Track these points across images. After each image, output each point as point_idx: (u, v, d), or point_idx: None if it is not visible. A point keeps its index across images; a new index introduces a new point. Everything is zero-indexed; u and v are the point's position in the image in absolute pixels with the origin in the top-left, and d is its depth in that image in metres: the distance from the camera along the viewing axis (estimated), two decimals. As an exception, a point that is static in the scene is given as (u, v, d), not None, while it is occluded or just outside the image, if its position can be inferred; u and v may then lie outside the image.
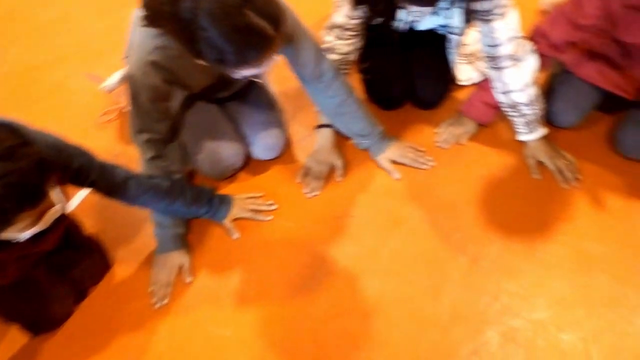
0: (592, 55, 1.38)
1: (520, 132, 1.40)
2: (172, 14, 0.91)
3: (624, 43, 1.27)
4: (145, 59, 1.11)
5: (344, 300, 1.24)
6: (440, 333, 1.16)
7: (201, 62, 1.00)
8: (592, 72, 1.38)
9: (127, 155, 1.54)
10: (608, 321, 1.14)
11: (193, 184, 1.48)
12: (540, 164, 1.40)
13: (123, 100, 1.67)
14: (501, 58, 1.28)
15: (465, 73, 1.63)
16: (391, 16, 1.33)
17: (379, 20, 1.35)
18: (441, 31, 1.48)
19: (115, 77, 1.62)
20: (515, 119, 1.38)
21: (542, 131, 1.39)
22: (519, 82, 1.30)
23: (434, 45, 1.52)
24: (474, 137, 1.51)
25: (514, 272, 1.24)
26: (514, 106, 1.35)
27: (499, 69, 1.30)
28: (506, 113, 1.40)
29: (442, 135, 1.52)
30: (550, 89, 1.47)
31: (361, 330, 1.18)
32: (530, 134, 1.39)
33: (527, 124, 1.37)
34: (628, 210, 1.31)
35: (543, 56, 1.32)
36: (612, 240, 1.26)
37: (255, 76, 1.49)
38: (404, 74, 1.54)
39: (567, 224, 1.30)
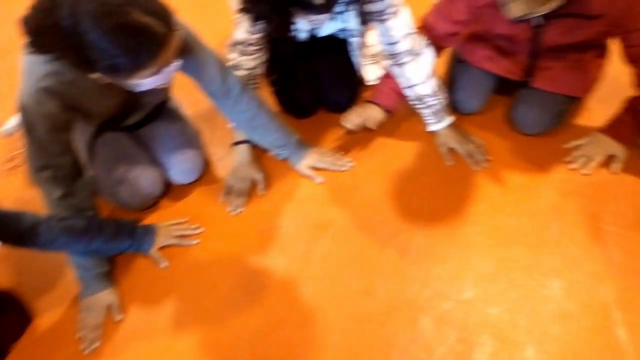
0: (481, 42, 1.47)
1: (430, 123, 1.47)
2: (53, 27, 0.87)
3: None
4: (37, 86, 1.05)
5: (280, 311, 1.24)
6: (377, 327, 1.19)
7: (96, 76, 0.96)
8: (483, 60, 1.48)
9: (39, 200, 1.48)
10: (527, 289, 1.21)
11: (112, 217, 1.43)
12: (451, 150, 1.47)
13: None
14: (401, 54, 1.34)
15: (372, 73, 1.68)
16: (289, 28, 1.36)
17: (279, 32, 1.37)
18: (342, 35, 1.53)
19: (13, 120, 1.54)
20: (423, 111, 1.45)
21: (449, 119, 1.46)
22: (420, 75, 1.37)
23: (338, 49, 1.56)
24: (388, 134, 1.57)
25: (440, 257, 1.29)
26: (419, 99, 1.41)
27: (400, 64, 1.36)
28: (414, 106, 1.46)
29: (349, 115, 1.51)
30: (451, 80, 1.56)
31: (300, 338, 1.19)
32: (439, 124, 1.46)
33: (435, 114, 1.44)
34: (531, 182, 1.41)
35: (433, 46, 1.40)
36: (522, 212, 1.35)
37: (161, 92, 1.45)
38: (312, 81, 1.58)
39: (481, 204, 1.38)
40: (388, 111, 1.53)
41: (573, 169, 1.41)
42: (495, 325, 1.16)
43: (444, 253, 1.30)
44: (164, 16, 0.93)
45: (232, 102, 1.32)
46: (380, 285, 1.26)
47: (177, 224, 1.41)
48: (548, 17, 1.18)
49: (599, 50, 1.40)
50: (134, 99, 1.30)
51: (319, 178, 1.47)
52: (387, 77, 1.48)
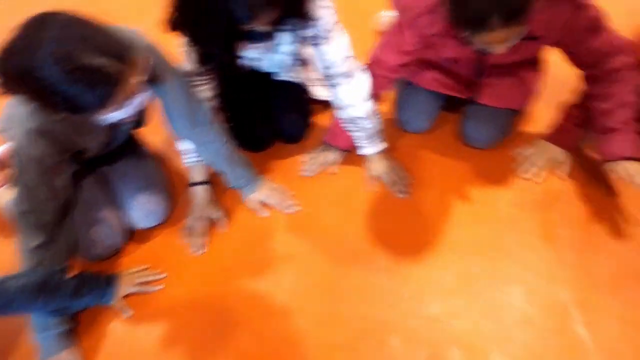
0: (427, 65, 1.52)
1: (362, 147, 1.48)
2: (13, 70, 0.88)
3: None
4: (27, 127, 1.05)
5: (250, 347, 1.23)
6: (348, 354, 1.19)
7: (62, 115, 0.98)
8: (429, 80, 1.52)
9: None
10: (487, 297, 1.25)
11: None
12: (377, 177, 1.51)
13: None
14: (336, 76, 1.36)
15: (321, 92, 1.68)
16: (236, 63, 1.36)
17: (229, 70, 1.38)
18: (284, 72, 1.54)
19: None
20: (356, 134, 1.46)
21: (382, 145, 1.48)
22: (352, 97, 1.38)
23: (288, 83, 1.58)
24: (346, 162, 1.58)
25: (404, 276, 1.31)
26: (352, 121, 1.42)
27: (334, 86, 1.38)
28: (347, 129, 1.46)
29: (308, 164, 1.57)
30: (398, 101, 1.60)
31: (273, 373, 1.18)
32: (371, 148, 1.48)
33: (368, 137, 1.45)
34: (485, 193, 1.46)
35: (385, 78, 1.42)
36: (479, 223, 1.39)
37: (132, 125, 1.41)
38: (267, 115, 1.59)
39: (439, 219, 1.41)
40: (346, 151, 1.56)
41: (524, 178, 1.46)
42: (462, 337, 1.19)
43: (408, 272, 1.32)
44: (119, 54, 0.95)
45: (201, 131, 1.33)
46: (348, 311, 1.26)
47: (139, 271, 1.38)
48: None
49: (537, 64, 1.47)
50: (115, 129, 1.30)
51: (266, 213, 1.48)
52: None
